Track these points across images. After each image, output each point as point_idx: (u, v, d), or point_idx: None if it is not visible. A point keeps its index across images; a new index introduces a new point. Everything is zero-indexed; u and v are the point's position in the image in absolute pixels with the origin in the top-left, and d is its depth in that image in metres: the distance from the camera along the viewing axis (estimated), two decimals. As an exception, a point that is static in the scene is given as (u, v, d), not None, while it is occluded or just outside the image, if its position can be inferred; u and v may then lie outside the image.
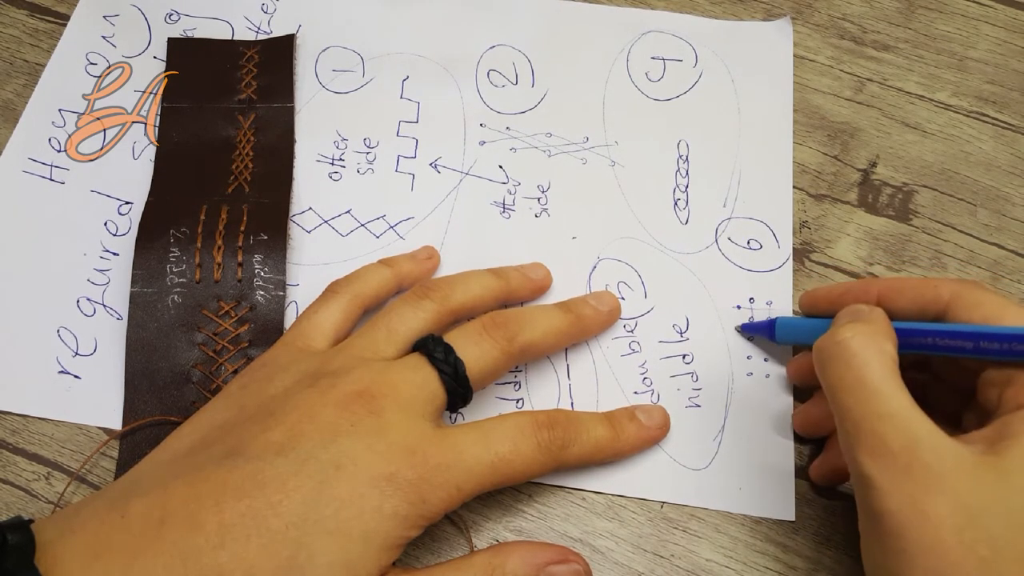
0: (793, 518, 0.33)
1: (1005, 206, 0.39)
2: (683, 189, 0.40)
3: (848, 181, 0.40)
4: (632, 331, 0.37)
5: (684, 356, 0.36)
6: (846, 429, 0.27)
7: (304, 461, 0.27)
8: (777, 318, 0.35)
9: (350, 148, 0.41)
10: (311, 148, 0.40)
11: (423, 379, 0.30)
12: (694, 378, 0.36)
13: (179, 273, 0.36)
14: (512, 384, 0.36)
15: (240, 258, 0.36)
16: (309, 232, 0.39)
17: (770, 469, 0.34)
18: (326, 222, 0.39)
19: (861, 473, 0.26)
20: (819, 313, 0.34)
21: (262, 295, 0.36)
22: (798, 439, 0.35)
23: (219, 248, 0.36)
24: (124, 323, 0.36)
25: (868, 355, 0.27)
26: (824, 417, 0.33)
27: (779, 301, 0.37)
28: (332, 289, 0.35)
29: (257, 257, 0.36)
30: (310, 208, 0.39)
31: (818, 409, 0.33)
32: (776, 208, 0.39)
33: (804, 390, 0.36)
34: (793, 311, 0.37)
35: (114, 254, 0.38)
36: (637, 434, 0.34)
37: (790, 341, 0.35)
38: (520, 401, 0.36)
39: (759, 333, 0.36)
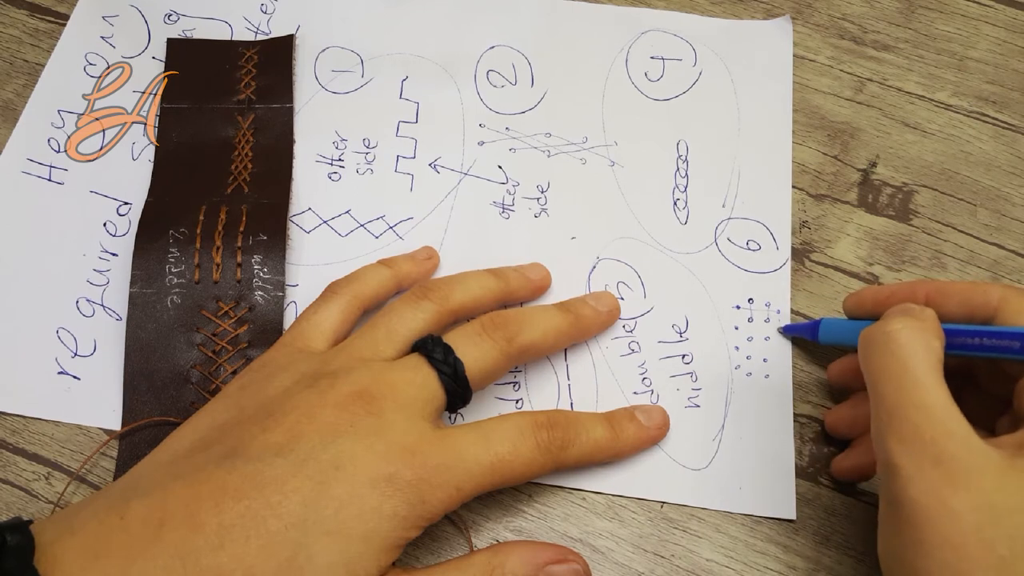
0: (793, 517, 0.33)
1: (1005, 206, 0.39)
2: (682, 189, 0.40)
3: (848, 181, 0.40)
4: (631, 331, 0.37)
5: (683, 356, 0.36)
6: (880, 415, 0.27)
7: (303, 462, 0.27)
8: (822, 319, 0.35)
9: (349, 148, 0.41)
10: (310, 148, 0.40)
11: (422, 379, 0.30)
12: (693, 378, 0.36)
13: (178, 274, 0.36)
14: (511, 384, 0.36)
15: (239, 258, 0.36)
16: (308, 232, 0.39)
17: (770, 469, 0.34)
18: (325, 222, 0.39)
19: (889, 460, 0.26)
20: (864, 315, 0.34)
21: (261, 295, 0.36)
22: (829, 440, 0.35)
23: (218, 248, 0.36)
24: (123, 324, 0.36)
25: (915, 347, 0.27)
26: (857, 418, 0.33)
27: (778, 302, 0.37)
28: (331, 289, 0.35)
29: (256, 257, 0.36)
30: (309, 208, 0.39)
31: (853, 410, 0.34)
32: (775, 209, 0.39)
33: (805, 388, 0.36)
34: (792, 311, 0.37)
35: (113, 255, 0.38)
36: (636, 434, 0.34)
37: (834, 342, 0.35)
38: (519, 401, 0.36)
39: (802, 334, 0.36)
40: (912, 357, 0.27)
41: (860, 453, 0.33)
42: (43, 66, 0.42)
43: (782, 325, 0.37)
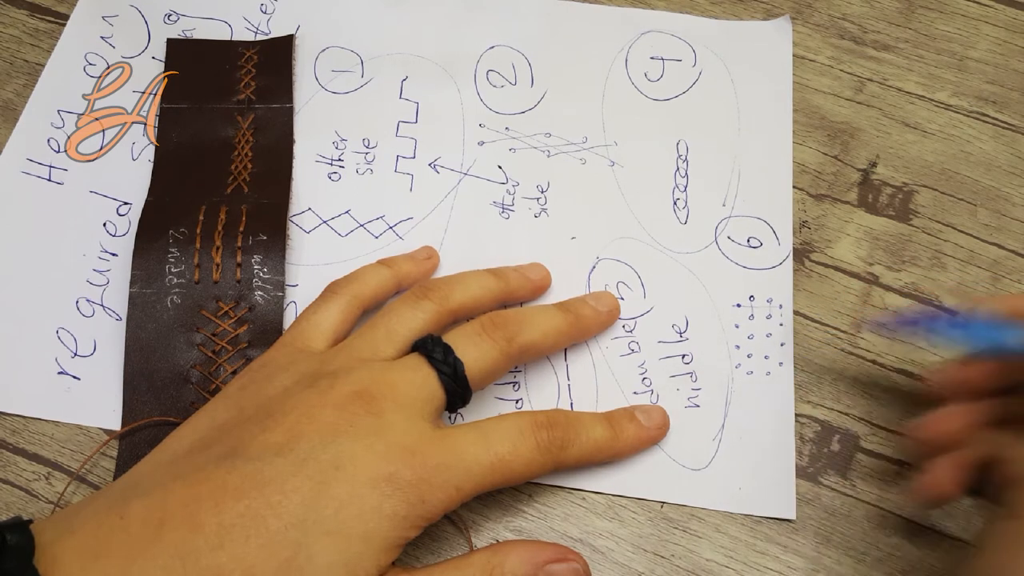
0: (793, 517, 0.33)
1: (1005, 206, 0.39)
2: (682, 189, 0.40)
3: (848, 181, 0.40)
4: (631, 331, 0.37)
5: (683, 356, 0.36)
6: None
7: (303, 461, 0.27)
8: (974, 318, 0.31)
9: (349, 148, 0.41)
10: (310, 148, 0.40)
11: (422, 379, 0.30)
12: (693, 378, 0.36)
13: (178, 274, 0.36)
14: (511, 384, 0.36)
15: (239, 258, 0.36)
16: (308, 232, 0.39)
17: (770, 468, 0.34)
18: (325, 222, 0.39)
19: None
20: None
21: (261, 295, 0.36)
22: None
23: (218, 248, 0.36)
24: (123, 324, 0.36)
25: None
26: (965, 427, 0.30)
27: (780, 298, 0.37)
28: (331, 289, 0.35)
29: (256, 257, 0.36)
30: (309, 208, 0.39)
31: (953, 469, 0.30)
32: (776, 206, 0.39)
33: (805, 387, 0.36)
34: (795, 310, 0.37)
35: (113, 255, 0.38)
36: (636, 434, 0.34)
37: (986, 345, 0.31)
38: (519, 401, 0.36)
39: (934, 331, 0.33)
40: None
41: (964, 420, 0.30)
42: (43, 66, 0.42)
43: (898, 314, 0.33)
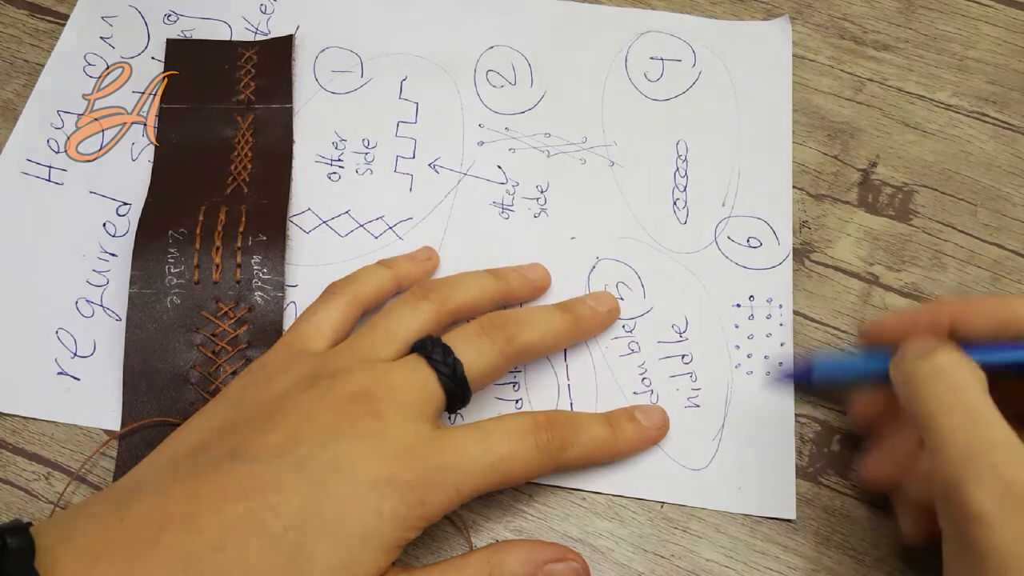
0: (793, 517, 0.33)
1: (1005, 206, 0.39)
2: (682, 189, 0.40)
3: (848, 181, 0.40)
4: (631, 331, 0.37)
5: (683, 356, 0.36)
6: (949, 458, 0.25)
7: (303, 463, 0.27)
8: (814, 358, 0.32)
9: (348, 149, 0.41)
10: (310, 149, 0.40)
11: (422, 380, 0.30)
12: (693, 378, 0.36)
13: (178, 274, 0.36)
14: (511, 385, 0.36)
15: (239, 259, 0.36)
16: (308, 233, 0.39)
17: (770, 468, 0.34)
18: (325, 223, 0.39)
19: (968, 507, 0.24)
20: (886, 342, 0.31)
21: (261, 296, 0.36)
22: (842, 444, 0.34)
23: (217, 249, 0.36)
24: (123, 324, 0.36)
25: (970, 380, 0.26)
26: (897, 465, 0.31)
27: (780, 298, 0.37)
28: (331, 290, 0.35)
29: (256, 258, 0.36)
30: (309, 209, 0.39)
31: (891, 457, 0.31)
32: (776, 206, 0.39)
33: (803, 388, 0.36)
34: (794, 310, 0.37)
35: (112, 255, 0.38)
36: (636, 434, 0.34)
37: (835, 381, 0.32)
38: (519, 402, 0.36)
39: (795, 378, 0.34)
40: (971, 391, 0.26)
41: (893, 462, 0.31)
42: (43, 66, 0.42)
43: (777, 372, 0.35)
